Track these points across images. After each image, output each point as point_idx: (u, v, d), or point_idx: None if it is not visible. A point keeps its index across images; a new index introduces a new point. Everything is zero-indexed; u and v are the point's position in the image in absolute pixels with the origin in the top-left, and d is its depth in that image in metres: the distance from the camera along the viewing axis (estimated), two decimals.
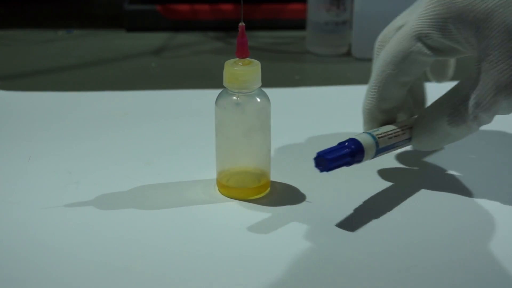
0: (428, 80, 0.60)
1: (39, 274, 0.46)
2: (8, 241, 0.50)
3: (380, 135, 0.53)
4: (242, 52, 0.53)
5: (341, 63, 0.89)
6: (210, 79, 0.80)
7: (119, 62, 0.89)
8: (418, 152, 0.60)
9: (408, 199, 0.55)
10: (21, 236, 0.50)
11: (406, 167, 0.60)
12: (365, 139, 0.52)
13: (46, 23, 1.03)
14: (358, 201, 0.55)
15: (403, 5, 0.85)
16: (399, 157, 0.61)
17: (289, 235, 0.51)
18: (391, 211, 0.53)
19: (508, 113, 0.49)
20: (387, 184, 0.57)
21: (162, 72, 0.86)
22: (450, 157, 0.61)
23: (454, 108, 0.51)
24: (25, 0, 1.12)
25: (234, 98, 0.53)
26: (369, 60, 0.88)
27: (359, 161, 0.51)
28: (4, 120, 0.70)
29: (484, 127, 0.52)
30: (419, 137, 0.54)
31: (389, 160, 0.60)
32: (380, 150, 0.52)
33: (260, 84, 0.54)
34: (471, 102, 0.49)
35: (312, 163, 0.49)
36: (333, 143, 0.51)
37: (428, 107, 0.54)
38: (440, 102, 0.53)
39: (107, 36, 0.99)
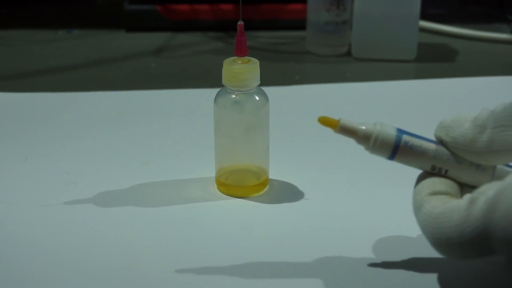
0: None
1: (38, 275, 0.46)
2: (6, 242, 0.50)
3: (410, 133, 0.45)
4: (241, 51, 0.53)
5: (341, 63, 0.89)
6: (210, 79, 0.80)
7: (119, 62, 0.89)
8: None
9: (409, 197, 0.55)
10: (20, 237, 0.50)
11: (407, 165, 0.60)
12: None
13: (46, 23, 1.03)
14: (356, 199, 0.55)
15: (403, 5, 0.86)
16: None
17: (288, 233, 0.51)
18: (391, 209, 0.53)
19: None
20: (387, 181, 0.57)
21: (162, 72, 0.86)
22: None
23: None
24: (25, 0, 1.12)
25: (233, 96, 0.54)
26: (369, 60, 0.89)
27: None
28: (0, 121, 0.70)
29: None
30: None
31: None
32: (404, 132, 0.44)
33: (258, 82, 0.54)
34: None
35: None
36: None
37: None
38: None
39: (107, 36, 0.99)
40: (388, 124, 0.45)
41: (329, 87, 0.79)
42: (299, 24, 0.96)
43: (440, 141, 0.44)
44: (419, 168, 0.45)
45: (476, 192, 0.39)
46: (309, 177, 0.58)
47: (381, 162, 0.59)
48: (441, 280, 0.45)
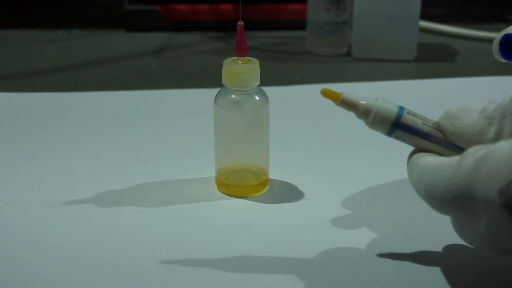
0: None
1: (38, 274, 0.46)
2: (6, 242, 0.50)
3: (411, 113, 0.44)
4: (241, 51, 0.53)
5: (341, 63, 0.89)
6: (210, 79, 0.80)
7: (119, 62, 0.89)
8: None
9: (409, 197, 0.55)
10: (20, 237, 0.50)
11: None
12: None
13: (46, 23, 1.03)
14: (356, 199, 0.55)
15: (403, 5, 0.86)
16: (401, 153, 0.61)
17: (288, 233, 0.51)
18: (391, 209, 0.53)
19: None
20: (387, 181, 0.57)
21: (162, 72, 0.86)
22: None
23: None
24: (25, 0, 1.12)
25: (233, 96, 0.54)
26: (369, 60, 0.89)
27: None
28: (0, 121, 0.70)
29: None
30: None
31: (389, 156, 0.60)
32: (400, 124, 0.44)
33: (258, 82, 0.54)
34: None
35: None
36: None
37: None
38: None
39: (107, 36, 0.99)
40: (390, 101, 0.45)
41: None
42: (299, 24, 0.97)
43: (440, 130, 0.44)
44: (416, 146, 0.45)
45: (470, 149, 0.40)
46: (309, 177, 0.58)
47: (381, 162, 0.60)
48: (442, 278, 0.45)
